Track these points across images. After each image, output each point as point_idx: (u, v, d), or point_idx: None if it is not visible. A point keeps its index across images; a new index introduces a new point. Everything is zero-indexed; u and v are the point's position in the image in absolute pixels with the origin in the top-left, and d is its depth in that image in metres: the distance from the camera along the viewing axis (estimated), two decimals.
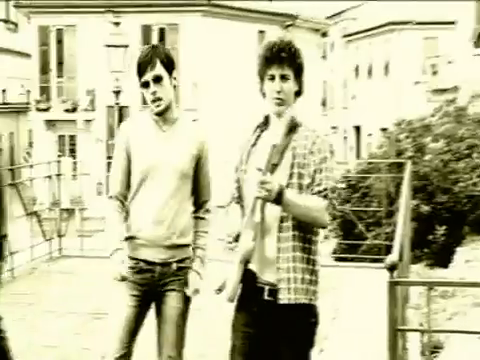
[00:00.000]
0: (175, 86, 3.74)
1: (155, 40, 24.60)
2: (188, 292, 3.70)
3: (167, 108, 3.70)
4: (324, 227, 3.25)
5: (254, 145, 3.34)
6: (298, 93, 3.32)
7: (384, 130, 27.80)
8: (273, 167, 3.17)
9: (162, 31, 24.75)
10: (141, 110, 21.86)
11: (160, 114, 3.70)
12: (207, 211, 3.84)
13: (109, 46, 12.44)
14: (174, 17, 24.30)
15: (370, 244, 11.25)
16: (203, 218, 3.84)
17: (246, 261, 3.21)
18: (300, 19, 28.18)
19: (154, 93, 3.64)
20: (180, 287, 3.70)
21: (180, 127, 3.76)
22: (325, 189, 3.17)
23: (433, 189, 11.71)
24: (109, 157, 21.47)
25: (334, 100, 44.00)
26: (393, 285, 3.24)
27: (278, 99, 3.25)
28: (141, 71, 3.65)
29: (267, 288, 3.20)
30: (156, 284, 3.70)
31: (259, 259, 3.23)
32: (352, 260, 10.31)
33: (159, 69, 3.64)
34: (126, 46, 12.52)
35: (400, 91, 33.60)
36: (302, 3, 28.84)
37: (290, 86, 3.26)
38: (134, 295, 3.71)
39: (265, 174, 3.09)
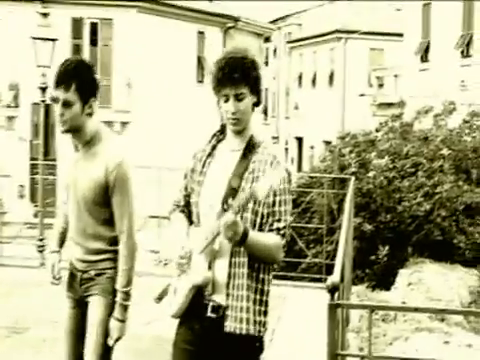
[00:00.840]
0: (90, 114, 3.75)
1: (87, 35, 24.36)
2: (109, 341, 3.76)
3: (76, 130, 3.75)
4: (276, 263, 3.33)
5: (210, 155, 3.38)
6: (257, 103, 3.34)
7: (327, 143, 28.13)
8: (232, 191, 3.19)
9: (94, 26, 24.49)
10: None
11: (68, 131, 3.75)
12: (125, 244, 3.78)
13: (36, 39, 12.25)
14: (108, 11, 24.09)
15: (310, 262, 11.34)
16: (121, 254, 3.79)
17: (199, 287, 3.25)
18: (242, 22, 28.35)
19: (61, 115, 3.69)
20: (100, 293, 3.79)
21: (95, 148, 3.78)
22: (284, 227, 3.22)
23: (376, 207, 11.87)
24: (33, 158, 21.07)
25: (276, 109, 44.42)
26: (334, 308, 3.24)
27: (234, 119, 3.28)
28: (55, 83, 3.69)
29: (211, 304, 3.23)
30: (81, 289, 3.86)
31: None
32: (291, 278, 10.37)
33: (72, 95, 3.66)
34: (54, 40, 12.35)
35: (345, 103, 34.18)
36: (245, 6, 29.04)
37: (246, 103, 3.27)
38: (71, 297, 3.92)
39: (237, 213, 3.09)
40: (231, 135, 3.36)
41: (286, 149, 41.97)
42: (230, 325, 3.20)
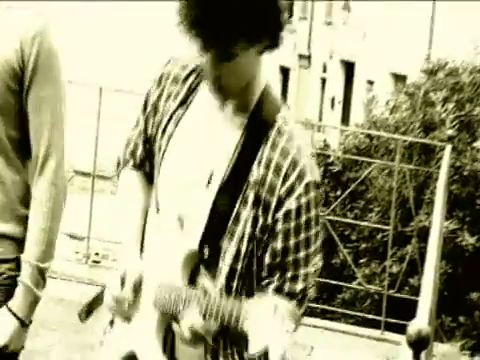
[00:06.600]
0: None
1: None
2: None
3: None
4: None
5: (184, 103, 3.38)
6: (273, 45, 3.22)
7: (400, 78, 28.14)
8: (221, 223, 3.18)
9: None
10: None
11: None
12: (53, 184, 3.83)
13: None
14: None
15: (360, 290, 11.47)
16: (37, 198, 3.83)
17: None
18: None
19: None
20: None
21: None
22: (303, 290, 3.21)
23: None
24: None
25: (309, 6, 44.46)
26: None
27: (215, 86, 3.22)
28: None
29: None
30: None
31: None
32: (324, 315, 10.49)
33: None
34: None
35: (435, 7, 33.95)
36: None
37: (242, 63, 3.17)
38: None
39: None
40: None
41: (323, 80, 42.44)
42: None
